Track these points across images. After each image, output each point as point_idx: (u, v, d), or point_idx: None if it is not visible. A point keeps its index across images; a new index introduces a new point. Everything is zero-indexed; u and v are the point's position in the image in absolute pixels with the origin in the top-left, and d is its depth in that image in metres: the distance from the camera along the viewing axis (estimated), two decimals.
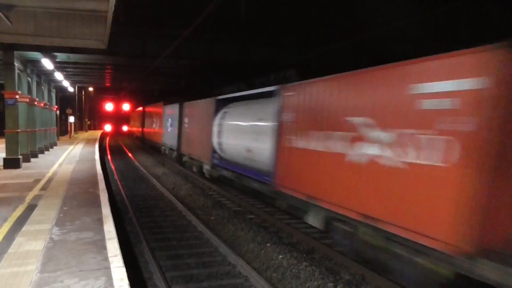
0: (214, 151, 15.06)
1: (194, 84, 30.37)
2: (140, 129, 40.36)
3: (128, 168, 21.66)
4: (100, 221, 7.32)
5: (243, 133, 12.26)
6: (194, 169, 18.04)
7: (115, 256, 5.49)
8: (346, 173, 7.11)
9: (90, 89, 56.28)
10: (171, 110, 23.38)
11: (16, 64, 15.13)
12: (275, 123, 9.98)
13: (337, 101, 7.60)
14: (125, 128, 64.23)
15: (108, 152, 30.26)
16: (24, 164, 15.62)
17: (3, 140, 15.69)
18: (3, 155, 15.26)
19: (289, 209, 10.77)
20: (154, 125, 30.38)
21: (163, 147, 25.93)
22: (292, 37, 19.57)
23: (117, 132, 65.34)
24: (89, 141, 33.00)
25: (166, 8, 19.04)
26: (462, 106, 4.98)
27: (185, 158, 20.03)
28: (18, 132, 15.31)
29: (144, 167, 21.78)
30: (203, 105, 16.97)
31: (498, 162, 4.73)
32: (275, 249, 8.23)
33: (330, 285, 6.56)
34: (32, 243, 6.01)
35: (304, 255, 7.96)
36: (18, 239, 6.22)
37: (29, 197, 9.53)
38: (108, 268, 5.06)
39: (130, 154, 29.18)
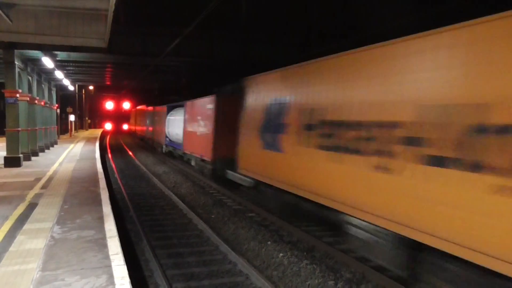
0: (166, 137, 25.42)
1: (194, 82, 30.37)
2: (134, 126, 50.86)
3: (129, 167, 21.68)
4: (101, 220, 7.33)
5: (175, 125, 22.80)
6: (159, 149, 28.14)
7: (116, 254, 5.50)
8: (197, 140, 16.98)
9: (91, 87, 56.23)
10: (150, 111, 34.09)
11: (16, 62, 15.12)
12: (184, 119, 20.20)
13: (194, 110, 17.98)
14: (125, 126, 64.32)
15: (108, 150, 30.28)
16: (24, 163, 15.64)
17: (4, 138, 15.71)
18: (4, 153, 15.28)
19: (187, 160, 19.62)
20: (141, 122, 41.62)
21: (145, 138, 38.03)
22: (293, 35, 19.55)
23: (117, 130, 65.41)
24: (90, 140, 33.03)
25: (167, 6, 19.03)
26: (211, 113, 14.91)
27: (154, 144, 31.05)
28: (18, 130, 15.32)
29: (145, 165, 21.81)
30: (162, 108, 27.42)
31: (217, 131, 14.37)
32: (275, 248, 8.24)
33: (331, 283, 6.57)
34: (33, 242, 6.02)
35: (305, 253, 7.96)
36: (19, 238, 6.23)
37: (30, 195, 9.55)
38: (109, 266, 5.07)
39: (130, 153, 29.21)
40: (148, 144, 34.67)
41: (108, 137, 48.57)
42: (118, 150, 32.28)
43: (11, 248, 5.73)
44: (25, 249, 5.68)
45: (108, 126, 65.91)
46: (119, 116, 68.45)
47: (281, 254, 7.84)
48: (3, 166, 14.73)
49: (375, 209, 6.38)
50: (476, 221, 4.77)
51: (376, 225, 6.44)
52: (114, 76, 31.92)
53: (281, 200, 9.96)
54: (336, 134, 7.46)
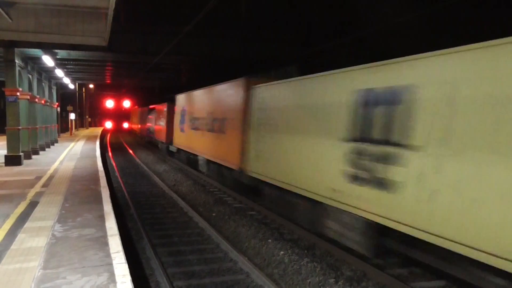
0: (148, 130, 34.20)
1: (194, 80, 30.41)
2: (130, 124, 59.89)
3: (129, 165, 21.70)
4: (102, 218, 7.34)
5: (151, 121, 32.06)
6: (144, 140, 38.23)
7: (117, 252, 5.52)
8: (161, 130, 26.62)
9: (91, 86, 56.16)
10: (139, 111, 43.96)
11: (16, 61, 15.11)
12: (155, 117, 30.23)
13: (159, 111, 28.44)
14: (125, 125, 64.38)
15: (109, 149, 30.29)
16: (25, 161, 15.65)
17: (4, 137, 15.71)
18: (4, 152, 15.29)
19: (157, 145, 28.64)
20: (136, 120, 49.57)
21: (137, 133, 46.82)
22: (292, 33, 19.52)
23: (118, 129, 65.46)
24: (90, 138, 33.04)
25: (167, 5, 19.00)
26: (166, 114, 24.76)
27: (143, 136, 39.40)
28: (19, 129, 15.31)
29: (145, 164, 21.82)
30: (145, 110, 37.03)
31: (168, 125, 24.21)
32: (276, 245, 8.26)
33: (331, 281, 6.58)
34: (34, 240, 6.04)
35: (306, 251, 7.98)
36: (21, 236, 6.25)
37: (31, 194, 9.56)
38: (110, 264, 5.09)
39: (131, 151, 29.23)
40: (139, 137, 44.64)
41: (108, 135, 48.58)
42: (118, 148, 32.30)
43: (13, 246, 5.75)
44: (27, 247, 5.70)
45: (109, 124, 66.06)
46: (119, 115, 68.46)
47: (281, 252, 7.86)
48: (3, 164, 14.74)
49: (201, 149, 16.28)
50: (211, 147, 14.95)
51: (201, 156, 16.32)
52: (114, 74, 31.92)
53: (186, 156, 19.32)
54: (195, 122, 17.33)
